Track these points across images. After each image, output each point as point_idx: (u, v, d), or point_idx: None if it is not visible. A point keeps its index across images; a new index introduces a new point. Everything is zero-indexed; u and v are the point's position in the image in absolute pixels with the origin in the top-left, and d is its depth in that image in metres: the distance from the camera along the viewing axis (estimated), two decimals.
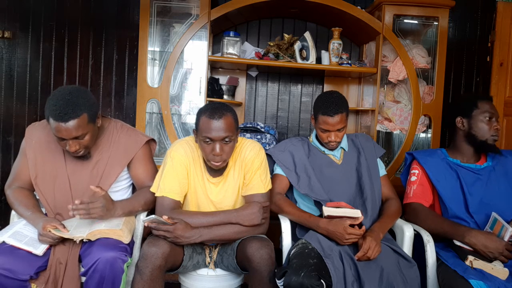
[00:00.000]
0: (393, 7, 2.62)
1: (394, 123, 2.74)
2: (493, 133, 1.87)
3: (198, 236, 1.63)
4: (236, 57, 2.68)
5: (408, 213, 1.93)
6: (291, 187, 1.98)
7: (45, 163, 1.76)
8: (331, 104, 1.84)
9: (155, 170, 1.89)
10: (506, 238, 1.65)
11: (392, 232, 1.91)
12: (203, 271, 1.82)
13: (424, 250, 1.76)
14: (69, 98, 1.58)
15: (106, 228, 1.62)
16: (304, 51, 2.68)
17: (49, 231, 1.57)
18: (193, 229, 1.63)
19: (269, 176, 1.83)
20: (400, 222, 1.89)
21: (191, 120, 2.72)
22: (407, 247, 1.80)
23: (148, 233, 1.74)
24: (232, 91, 2.88)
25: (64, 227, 1.62)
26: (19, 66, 2.88)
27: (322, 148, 1.97)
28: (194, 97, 2.70)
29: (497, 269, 1.59)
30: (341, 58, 2.72)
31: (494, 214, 1.73)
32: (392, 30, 2.63)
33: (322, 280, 1.49)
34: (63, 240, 1.62)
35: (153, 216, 1.56)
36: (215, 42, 2.95)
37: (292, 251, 1.67)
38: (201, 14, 2.54)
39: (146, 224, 1.58)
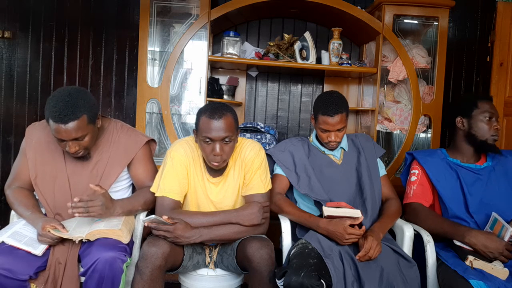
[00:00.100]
0: (393, 7, 2.62)
1: (394, 123, 2.74)
2: (493, 133, 1.87)
3: (198, 236, 1.63)
4: (236, 57, 2.68)
5: (408, 213, 1.93)
6: (291, 187, 1.97)
7: (45, 163, 1.76)
8: (331, 104, 1.84)
9: (155, 170, 1.89)
10: (506, 238, 1.65)
11: (392, 232, 1.91)
12: (203, 271, 1.81)
13: (424, 250, 1.75)
14: (69, 100, 1.58)
15: (106, 228, 1.62)
16: (304, 51, 2.68)
17: (49, 231, 1.57)
18: (193, 229, 1.63)
19: (269, 176, 1.83)
20: (400, 222, 1.89)
21: (191, 120, 2.72)
22: (407, 247, 1.79)
23: (148, 233, 1.73)
24: (232, 91, 2.88)
25: (64, 227, 1.62)
26: (19, 66, 2.88)
27: (322, 148, 1.97)
28: (194, 97, 2.69)
29: (497, 269, 1.59)
30: (341, 58, 2.72)
31: (494, 214, 1.73)
32: (392, 30, 2.63)
33: (322, 280, 1.49)
34: (62, 240, 1.62)
35: (153, 216, 1.56)
36: (215, 42, 2.95)
37: (292, 251, 1.67)
38: (201, 14, 2.54)
39: (146, 224, 1.58)
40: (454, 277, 1.59)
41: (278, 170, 1.96)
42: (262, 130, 2.71)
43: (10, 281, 1.47)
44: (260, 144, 1.87)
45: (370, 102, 2.81)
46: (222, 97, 2.80)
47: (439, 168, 1.92)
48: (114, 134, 1.84)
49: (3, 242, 1.59)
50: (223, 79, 2.93)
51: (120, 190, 1.88)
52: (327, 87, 3.06)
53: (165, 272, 1.61)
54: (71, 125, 1.58)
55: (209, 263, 1.80)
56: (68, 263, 1.60)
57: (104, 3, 2.89)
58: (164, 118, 2.58)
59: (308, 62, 2.66)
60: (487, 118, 1.88)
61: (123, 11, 2.90)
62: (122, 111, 2.95)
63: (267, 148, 2.60)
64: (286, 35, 2.77)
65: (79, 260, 1.62)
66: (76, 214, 1.58)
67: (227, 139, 1.65)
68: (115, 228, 1.63)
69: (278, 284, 1.54)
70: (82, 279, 1.57)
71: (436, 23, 2.68)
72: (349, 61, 2.76)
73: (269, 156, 1.95)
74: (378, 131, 2.74)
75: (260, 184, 1.76)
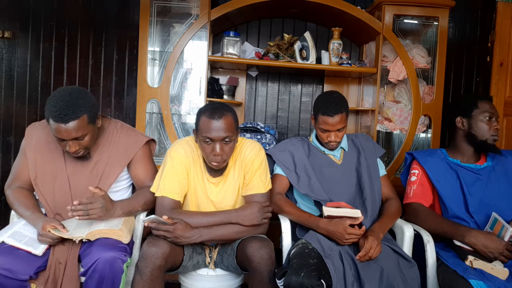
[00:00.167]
0: (393, 7, 2.62)
1: (394, 123, 2.74)
2: (493, 133, 1.87)
3: (198, 236, 1.63)
4: (236, 57, 2.68)
5: (408, 213, 1.93)
6: (291, 187, 1.97)
7: (45, 163, 1.76)
8: (331, 104, 1.84)
9: (155, 170, 1.89)
10: (506, 238, 1.65)
11: (392, 232, 1.91)
12: (203, 271, 1.81)
13: (424, 250, 1.76)
14: (69, 99, 1.58)
15: (106, 228, 1.62)
16: (304, 51, 2.68)
17: (49, 231, 1.57)
18: (193, 229, 1.63)
19: (269, 176, 1.83)
20: (400, 222, 1.89)
21: (191, 120, 2.72)
22: (407, 247, 1.79)
23: (148, 233, 1.73)
24: (232, 91, 2.88)
25: (64, 227, 1.62)
26: (19, 66, 2.88)
27: (322, 148, 1.97)
28: (194, 97, 2.69)
29: (497, 269, 1.59)
30: (341, 58, 2.72)
31: (494, 214, 1.73)
32: (392, 30, 2.63)
33: (322, 280, 1.49)
34: (62, 240, 1.62)
35: (153, 216, 1.56)
36: (215, 42, 2.95)
37: (292, 251, 1.67)
38: (201, 14, 2.54)
39: (146, 224, 1.58)
40: (454, 277, 1.59)
41: (278, 170, 1.96)
42: (262, 130, 2.71)
43: (10, 281, 1.47)
44: (260, 144, 1.87)
45: (370, 102, 2.81)
46: (222, 97, 2.80)
47: (439, 168, 1.92)
48: (114, 134, 1.84)
49: (3, 242, 1.59)
50: (223, 79, 2.93)
51: (120, 190, 1.88)
52: (327, 87, 3.06)
53: (165, 272, 1.61)
54: (71, 124, 1.58)
55: (209, 263, 1.80)
56: (68, 263, 1.60)
57: (104, 3, 2.89)
58: (164, 118, 2.58)
59: (308, 62, 2.66)
60: (487, 118, 1.88)
61: (123, 11, 2.90)
62: (122, 111, 2.95)
63: (267, 148, 2.60)
64: (286, 35, 2.77)
65: (79, 260, 1.62)
66: (76, 217, 1.58)
67: (227, 139, 1.65)
68: (115, 228, 1.63)
69: (278, 284, 1.54)
70: (82, 279, 1.57)
71: (436, 23, 2.68)
72: (349, 61, 2.76)
73: (269, 156, 1.95)
74: (378, 131, 2.74)
75: (260, 184, 1.76)
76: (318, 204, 1.83)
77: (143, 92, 2.56)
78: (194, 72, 2.69)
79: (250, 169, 1.78)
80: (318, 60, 2.79)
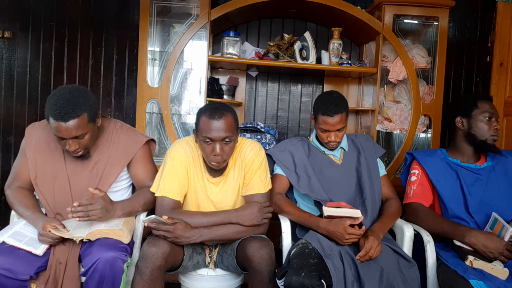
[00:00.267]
0: (393, 7, 2.63)
1: (394, 123, 2.74)
2: (493, 133, 1.87)
3: (198, 236, 1.63)
4: (236, 57, 2.68)
5: (408, 213, 1.93)
6: (291, 187, 1.98)
7: (45, 163, 1.76)
8: (331, 104, 1.84)
9: (155, 170, 1.89)
10: (506, 238, 1.65)
11: (392, 232, 1.91)
12: (203, 271, 1.81)
13: (424, 250, 1.76)
14: (69, 98, 1.58)
15: (106, 228, 1.62)
16: (304, 51, 2.68)
17: (49, 231, 1.57)
18: (193, 229, 1.63)
19: (269, 176, 1.83)
20: (400, 222, 1.89)
21: (191, 120, 2.72)
22: (407, 247, 1.79)
23: (148, 233, 1.73)
24: (232, 91, 2.88)
25: (64, 227, 1.62)
26: (19, 66, 2.88)
27: (322, 148, 1.97)
28: (194, 97, 2.69)
29: (497, 269, 1.59)
30: (341, 58, 2.72)
31: (494, 214, 1.73)
32: (392, 30, 2.63)
33: (322, 280, 1.49)
34: (63, 240, 1.62)
35: (153, 216, 1.56)
36: (215, 42, 2.95)
37: (293, 251, 1.67)
38: (201, 14, 2.54)
39: (146, 224, 1.58)
40: (454, 277, 1.59)
41: (278, 170, 1.96)
42: (262, 130, 2.71)
43: (10, 281, 1.47)
44: (260, 144, 1.87)
45: (370, 102, 2.81)
46: (222, 97, 2.80)
47: (439, 168, 1.92)
48: (114, 134, 1.84)
49: (3, 242, 1.59)
50: (223, 79, 2.93)
51: (120, 190, 1.88)
52: (327, 87, 3.06)
53: (165, 272, 1.61)
54: (72, 123, 1.58)
55: (209, 263, 1.81)
56: (68, 263, 1.60)
57: (104, 3, 2.89)
58: (164, 118, 2.58)
59: (308, 62, 2.66)
60: (487, 118, 1.88)
61: (123, 11, 2.90)
62: (122, 111, 2.95)
63: (267, 148, 2.60)
64: (286, 35, 2.77)
65: (80, 260, 1.62)
66: (76, 219, 1.58)
67: (227, 139, 1.65)
68: (116, 228, 1.63)
69: (279, 284, 1.54)
70: (83, 279, 1.57)
71: (436, 23, 2.68)
72: (349, 61, 2.76)
73: (269, 156, 1.95)
74: (378, 131, 2.74)
75: (260, 184, 1.77)
76: (318, 204, 1.83)
77: (143, 92, 2.56)
78: (194, 72, 2.69)
79: (250, 169, 1.78)
80: (318, 60, 2.79)
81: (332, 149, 1.95)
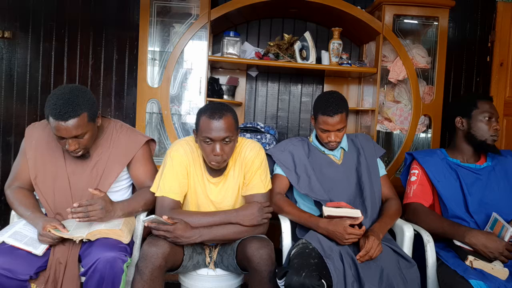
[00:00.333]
0: (393, 7, 2.63)
1: (394, 123, 2.74)
2: (493, 133, 1.87)
3: (198, 236, 1.63)
4: (236, 57, 2.68)
5: (408, 213, 1.93)
6: (291, 187, 1.97)
7: (45, 163, 1.76)
8: (331, 104, 1.84)
9: (155, 170, 1.89)
10: (506, 238, 1.64)
11: (392, 232, 1.91)
12: (203, 271, 1.81)
13: (424, 250, 1.75)
14: (69, 97, 1.58)
15: (106, 228, 1.62)
16: (304, 51, 2.68)
17: (49, 231, 1.57)
18: (193, 229, 1.63)
19: (269, 176, 1.83)
20: (400, 222, 1.89)
21: (191, 120, 2.72)
22: (407, 247, 1.79)
23: (148, 233, 1.73)
24: (232, 91, 2.88)
25: (64, 227, 1.62)
26: (19, 66, 2.88)
27: (322, 148, 1.97)
28: (194, 97, 2.69)
29: (497, 269, 1.59)
30: (341, 58, 2.72)
31: (494, 214, 1.73)
32: (392, 30, 2.63)
33: (323, 280, 1.49)
34: (63, 240, 1.62)
35: (153, 216, 1.56)
36: (215, 42, 2.95)
37: (293, 251, 1.67)
38: (201, 14, 2.54)
39: (146, 224, 1.58)
40: (454, 277, 1.59)
41: (278, 170, 1.96)
42: (262, 130, 2.71)
43: (10, 281, 1.47)
44: (260, 144, 1.87)
45: (370, 102, 2.81)
46: (222, 97, 2.80)
47: (439, 168, 1.92)
48: (114, 134, 1.84)
49: (3, 242, 1.59)
50: (223, 79, 2.93)
51: (120, 190, 1.88)
52: (327, 87, 3.06)
53: (165, 272, 1.61)
54: (71, 122, 1.58)
55: (209, 263, 1.80)
56: (68, 263, 1.60)
57: (104, 3, 2.89)
58: (164, 118, 2.58)
59: (308, 62, 2.66)
60: (487, 119, 1.88)
61: (123, 11, 2.90)
62: (122, 111, 2.95)
63: (267, 148, 2.60)
64: (286, 35, 2.77)
65: (80, 260, 1.62)
66: (77, 220, 1.58)
67: (227, 139, 1.65)
68: (116, 228, 1.63)
69: (279, 284, 1.54)
70: (83, 279, 1.57)
71: (436, 23, 2.68)
72: (349, 61, 2.76)
73: (269, 156, 1.95)
74: (378, 131, 2.74)
75: (260, 184, 1.77)
76: (318, 204, 1.83)
77: (143, 92, 2.56)
78: (194, 72, 2.69)
79: (250, 169, 1.78)
80: (318, 60, 2.79)
81: (332, 149, 1.95)
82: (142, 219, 1.73)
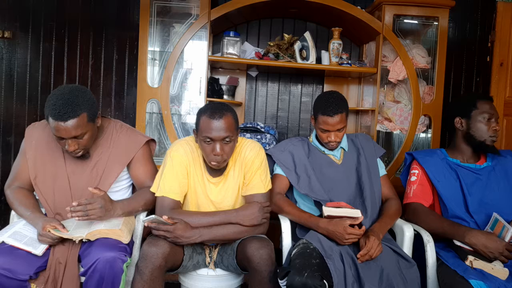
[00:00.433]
0: (393, 7, 2.63)
1: (394, 123, 2.74)
2: (492, 134, 1.87)
3: (198, 236, 1.63)
4: (236, 57, 2.68)
5: (408, 213, 1.93)
6: (291, 187, 1.97)
7: (44, 163, 1.76)
8: (331, 104, 1.84)
9: (155, 170, 1.89)
10: (507, 239, 1.64)
11: (392, 232, 1.91)
12: (203, 271, 1.81)
13: (424, 250, 1.75)
14: (69, 97, 1.58)
15: (106, 228, 1.62)
16: (304, 51, 2.68)
17: (49, 231, 1.57)
18: (193, 229, 1.63)
19: (269, 176, 1.83)
20: (400, 222, 1.89)
21: (191, 120, 2.72)
22: (407, 247, 1.79)
23: (148, 233, 1.73)
24: (232, 91, 2.88)
25: (64, 227, 1.62)
26: (19, 66, 2.88)
27: (322, 148, 1.97)
28: (194, 97, 2.69)
29: (497, 269, 1.59)
30: (341, 58, 2.72)
31: (495, 215, 1.73)
32: (392, 30, 2.63)
33: (324, 281, 1.49)
34: (62, 240, 1.62)
35: (153, 216, 1.56)
36: (215, 42, 2.95)
37: (294, 251, 1.67)
38: (201, 14, 2.54)
39: (146, 224, 1.58)
40: (454, 277, 1.59)
41: (278, 170, 1.96)
42: (262, 130, 2.71)
43: (10, 281, 1.47)
44: (260, 144, 1.87)
45: (370, 102, 2.81)
46: (222, 97, 2.80)
47: (439, 168, 1.92)
48: (114, 134, 1.84)
49: (3, 242, 1.59)
50: (223, 79, 2.93)
51: (120, 190, 1.88)
52: (327, 87, 3.06)
53: (165, 272, 1.61)
54: (71, 122, 1.57)
55: (209, 263, 1.80)
56: (68, 263, 1.60)
57: (104, 3, 2.89)
58: (164, 118, 2.58)
59: (308, 62, 2.66)
60: (486, 119, 1.87)
61: (123, 11, 2.90)
62: (122, 111, 2.95)
63: (267, 148, 2.60)
64: (286, 35, 2.77)
65: (79, 260, 1.62)
66: (76, 218, 1.58)
67: (227, 139, 1.65)
68: (115, 228, 1.63)
69: (281, 284, 1.54)
70: (82, 279, 1.57)
71: (436, 23, 2.68)
72: (349, 61, 2.76)
73: (269, 156, 1.95)
74: (378, 131, 2.74)
75: (260, 184, 1.76)
76: (318, 204, 1.83)
77: (143, 92, 2.56)
78: (194, 72, 2.69)
79: (250, 169, 1.78)
80: (318, 60, 2.79)
81: (332, 149, 1.95)
82: (142, 219, 1.73)
